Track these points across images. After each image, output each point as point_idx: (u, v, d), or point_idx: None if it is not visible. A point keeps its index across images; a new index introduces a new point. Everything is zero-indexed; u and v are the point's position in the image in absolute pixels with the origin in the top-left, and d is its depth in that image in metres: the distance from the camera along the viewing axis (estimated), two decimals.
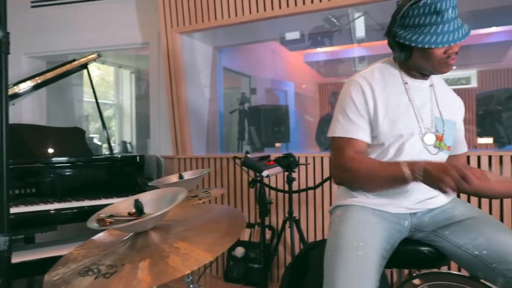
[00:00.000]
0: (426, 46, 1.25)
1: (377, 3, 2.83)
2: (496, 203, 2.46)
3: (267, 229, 3.01)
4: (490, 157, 2.50)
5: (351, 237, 1.24)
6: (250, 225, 3.05)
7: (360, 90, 1.36)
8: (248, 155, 2.02)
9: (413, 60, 1.34)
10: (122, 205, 1.12)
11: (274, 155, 2.62)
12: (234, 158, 2.12)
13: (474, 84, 7.28)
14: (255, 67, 5.52)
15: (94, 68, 5.53)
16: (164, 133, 3.62)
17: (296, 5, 2.94)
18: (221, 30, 3.52)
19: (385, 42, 1.42)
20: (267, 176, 1.99)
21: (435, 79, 1.47)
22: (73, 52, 3.72)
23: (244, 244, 3.02)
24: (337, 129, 1.37)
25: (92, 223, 1.04)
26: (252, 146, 4.13)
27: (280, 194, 2.96)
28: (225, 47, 4.15)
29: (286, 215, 2.53)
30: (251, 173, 2.26)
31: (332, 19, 4.17)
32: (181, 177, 1.55)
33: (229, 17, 3.13)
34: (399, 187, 1.29)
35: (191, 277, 1.72)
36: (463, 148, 1.54)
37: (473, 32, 5.32)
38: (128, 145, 5.28)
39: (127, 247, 1.06)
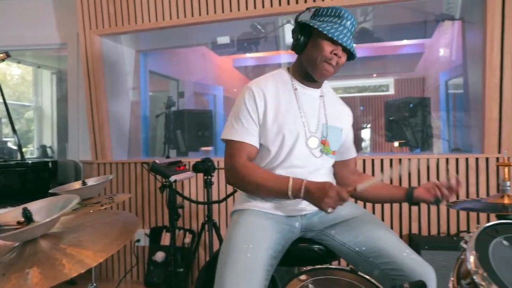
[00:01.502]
0: (320, 30, 1.37)
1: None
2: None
3: (187, 233, 3.04)
4: (400, 159, 2.75)
5: (242, 240, 1.33)
6: (170, 230, 3.05)
7: (252, 97, 1.45)
8: (156, 161, 2.05)
9: (306, 51, 1.45)
10: (10, 214, 1.11)
11: (194, 159, 2.67)
12: (142, 164, 2.13)
13: (392, 91, 7.89)
14: (183, 71, 5.51)
15: (15, 68, 5.22)
16: (83, 137, 3.52)
17: (223, 12, 3.00)
18: (145, 34, 3.50)
19: None
20: (175, 181, 2.03)
21: (325, 90, 1.60)
22: None
23: (165, 249, 3.03)
24: (230, 133, 1.46)
25: None
26: (177, 150, 4.13)
27: (201, 198, 3.02)
28: (150, 51, 4.12)
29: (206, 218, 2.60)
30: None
31: (258, 26, 4.32)
32: (84, 183, 1.55)
33: (150, 21, 3.12)
34: (282, 199, 1.41)
35: (94, 284, 1.70)
36: (351, 154, 1.69)
37: (389, 43, 5.75)
38: (49, 149, 5.03)
39: (14, 256, 1.06)
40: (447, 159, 2.67)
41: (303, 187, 1.29)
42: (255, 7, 2.92)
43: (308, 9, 1.49)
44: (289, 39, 4.84)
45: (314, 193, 1.27)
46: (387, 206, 2.73)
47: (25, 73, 5.49)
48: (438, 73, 5.17)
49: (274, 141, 1.45)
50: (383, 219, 2.72)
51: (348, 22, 1.40)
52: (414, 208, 2.69)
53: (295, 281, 1.26)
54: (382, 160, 2.77)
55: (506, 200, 1.14)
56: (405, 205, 2.71)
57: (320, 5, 1.65)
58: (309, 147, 1.48)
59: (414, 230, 2.70)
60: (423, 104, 3.51)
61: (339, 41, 1.37)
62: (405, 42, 5.66)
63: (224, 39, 5.55)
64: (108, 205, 1.40)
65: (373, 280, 1.27)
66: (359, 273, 1.31)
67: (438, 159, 2.70)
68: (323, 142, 1.51)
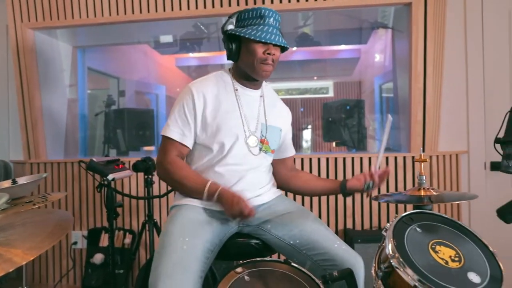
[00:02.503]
0: (247, 37, 1.43)
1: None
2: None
3: (127, 233, 2.99)
4: (336, 158, 2.89)
5: (178, 233, 1.36)
6: (108, 230, 2.98)
7: (191, 98, 1.49)
8: (94, 159, 2.01)
9: (241, 58, 1.51)
10: None
11: (135, 159, 2.63)
12: (79, 162, 2.08)
13: (331, 94, 8.22)
14: (125, 69, 5.37)
15: None
16: (14, 135, 3.32)
17: (164, 10, 2.98)
18: (82, 29, 3.38)
19: None
20: (113, 179, 2.01)
21: (266, 90, 1.67)
22: None
23: (103, 250, 2.95)
24: (165, 130, 1.51)
25: None
26: (117, 150, 4.03)
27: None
28: (88, 47, 3.98)
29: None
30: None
31: (201, 26, 4.32)
32: (14, 182, 1.48)
33: (88, 17, 3.03)
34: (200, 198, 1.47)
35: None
36: (290, 152, 1.77)
37: (328, 48, 5.97)
38: None
39: None
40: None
41: (217, 194, 1.39)
42: (196, 7, 2.94)
43: (230, 17, 1.55)
44: None
45: (224, 203, 1.38)
46: (324, 203, 2.87)
47: None
48: (373, 77, 5.45)
49: (214, 139, 1.49)
50: (320, 215, 2.85)
51: (271, 19, 1.47)
52: (349, 205, 2.84)
53: (232, 274, 1.31)
54: (319, 159, 2.90)
55: (422, 193, 1.27)
56: (340, 202, 2.86)
57: (260, 6, 1.72)
58: (248, 146, 1.54)
59: (349, 225, 2.86)
60: (359, 106, 3.71)
61: (268, 41, 1.44)
62: (343, 47, 5.94)
63: (167, 38, 5.49)
64: (41, 204, 1.36)
65: (305, 270, 1.35)
66: (293, 264, 1.38)
67: (370, 157, 2.88)
68: (262, 141, 1.57)
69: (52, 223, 1.12)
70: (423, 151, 2.80)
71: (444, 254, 1.02)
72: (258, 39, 1.42)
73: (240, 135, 1.52)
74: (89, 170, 1.98)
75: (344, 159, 2.89)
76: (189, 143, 1.52)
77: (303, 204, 2.78)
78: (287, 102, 1.81)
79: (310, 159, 2.91)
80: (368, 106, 5.43)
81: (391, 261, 1.00)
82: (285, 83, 7.78)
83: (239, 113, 1.54)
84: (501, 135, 1.33)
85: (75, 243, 3.09)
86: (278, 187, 1.74)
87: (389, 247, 1.01)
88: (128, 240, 2.95)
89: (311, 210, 2.84)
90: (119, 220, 3.03)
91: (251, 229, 1.57)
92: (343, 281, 1.20)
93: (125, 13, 3.02)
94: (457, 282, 0.95)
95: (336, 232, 2.84)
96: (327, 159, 2.90)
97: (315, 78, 8.15)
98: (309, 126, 6.72)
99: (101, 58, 4.85)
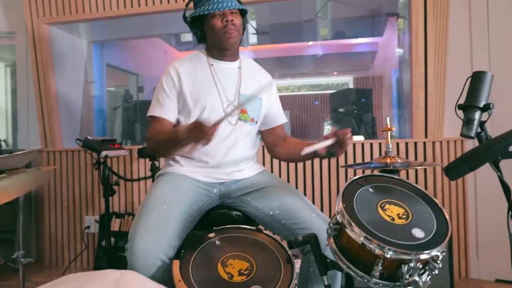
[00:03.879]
0: (201, 14, 1.52)
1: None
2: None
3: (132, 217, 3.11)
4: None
5: (159, 195, 1.45)
6: (119, 215, 3.12)
7: (169, 77, 1.59)
8: (88, 137, 2.13)
9: (208, 37, 1.60)
10: None
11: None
12: (76, 140, 2.20)
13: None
14: (144, 66, 5.55)
15: None
16: (33, 127, 3.51)
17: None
18: (98, 24, 3.53)
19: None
20: (106, 156, 2.12)
21: (245, 62, 1.72)
22: None
23: (114, 234, 3.08)
24: (150, 109, 1.60)
25: None
26: (132, 140, 4.19)
27: (149, 183, 3.09)
28: (103, 41, 4.15)
29: None
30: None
31: None
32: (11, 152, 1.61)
33: (101, 10, 3.16)
34: (180, 148, 1.41)
35: (22, 251, 1.76)
36: (278, 121, 1.79)
37: (345, 41, 5.89)
38: (3, 143, 4.96)
39: None
40: (380, 144, 2.87)
41: (183, 130, 1.34)
42: None
43: (187, 4, 1.64)
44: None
45: (187, 133, 1.31)
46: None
47: None
48: (391, 70, 5.39)
49: (193, 113, 1.58)
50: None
51: None
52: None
53: (204, 238, 1.38)
54: None
55: (388, 160, 1.29)
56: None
57: None
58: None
59: None
60: (365, 94, 3.71)
61: (220, 10, 1.50)
62: (360, 40, 5.90)
63: (187, 37, 5.63)
64: (31, 171, 1.47)
65: (274, 237, 1.40)
66: (265, 231, 1.44)
67: (380, 143, 2.88)
68: (242, 111, 1.63)
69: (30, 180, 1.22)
70: (426, 136, 2.82)
71: (392, 212, 1.05)
72: (212, 11, 1.50)
73: (217, 106, 1.58)
74: (84, 147, 2.11)
75: (353, 145, 2.89)
76: (170, 116, 1.59)
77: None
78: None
79: None
80: (387, 100, 5.39)
81: (337, 217, 1.04)
82: (305, 79, 7.80)
83: (214, 85, 1.60)
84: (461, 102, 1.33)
85: (88, 227, 3.24)
86: (271, 156, 1.82)
87: (338, 205, 1.05)
88: None
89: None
90: (128, 205, 3.17)
91: (231, 201, 1.64)
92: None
93: (139, 5, 3.10)
94: (399, 237, 0.98)
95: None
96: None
97: (335, 73, 8.10)
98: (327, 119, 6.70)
99: (120, 55, 5.04)
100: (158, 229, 1.33)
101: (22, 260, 1.68)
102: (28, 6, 3.25)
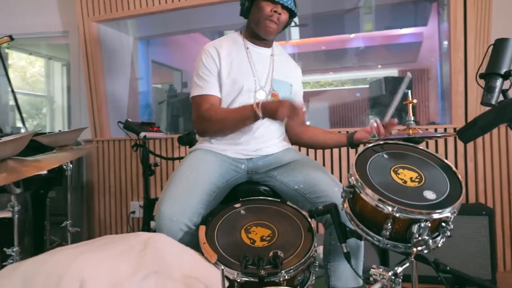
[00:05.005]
0: None
1: None
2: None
3: None
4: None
5: (187, 168, 1.55)
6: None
7: (209, 55, 1.65)
8: (129, 120, 2.28)
9: (251, 15, 1.64)
10: None
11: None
12: (118, 123, 2.36)
13: None
14: (188, 62, 5.74)
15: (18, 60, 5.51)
16: (84, 120, 3.77)
17: None
18: (143, 20, 3.71)
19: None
20: (145, 137, 2.26)
21: (277, 50, 1.79)
22: None
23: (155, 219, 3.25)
24: (194, 90, 1.66)
25: None
26: (175, 132, 4.38)
27: None
28: (149, 37, 4.35)
29: None
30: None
31: None
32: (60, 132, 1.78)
33: (144, 6, 3.34)
34: (248, 125, 1.55)
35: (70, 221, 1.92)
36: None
37: (389, 32, 5.76)
38: None
39: None
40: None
41: (260, 106, 1.45)
42: None
43: None
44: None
45: (267, 106, 1.43)
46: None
47: (38, 65, 5.80)
48: (435, 61, 5.23)
49: (228, 94, 1.64)
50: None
51: None
52: None
53: (230, 207, 1.46)
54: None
55: (410, 131, 1.30)
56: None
57: None
58: (257, 99, 1.66)
59: None
60: (400, 82, 3.62)
61: (276, 1, 1.55)
62: (404, 31, 5.75)
63: (227, 32, 5.72)
64: (75, 148, 1.62)
65: (297, 208, 1.45)
66: (288, 203, 1.50)
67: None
68: (273, 95, 1.69)
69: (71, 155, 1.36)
70: (466, 122, 2.73)
71: (405, 175, 1.07)
72: None
73: (251, 89, 1.64)
74: (125, 128, 2.26)
75: None
76: (218, 92, 1.64)
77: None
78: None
79: None
80: (433, 93, 5.24)
81: (350, 179, 1.07)
82: (348, 73, 7.68)
83: (250, 69, 1.67)
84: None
85: (133, 212, 3.44)
86: (291, 141, 1.87)
87: (352, 168, 1.09)
88: None
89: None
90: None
91: (259, 176, 1.70)
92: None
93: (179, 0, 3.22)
94: (410, 198, 1.00)
95: None
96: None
97: (379, 66, 7.91)
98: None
99: (164, 51, 5.25)
100: (184, 197, 1.42)
101: (70, 229, 1.84)
102: (80, 5, 3.49)
